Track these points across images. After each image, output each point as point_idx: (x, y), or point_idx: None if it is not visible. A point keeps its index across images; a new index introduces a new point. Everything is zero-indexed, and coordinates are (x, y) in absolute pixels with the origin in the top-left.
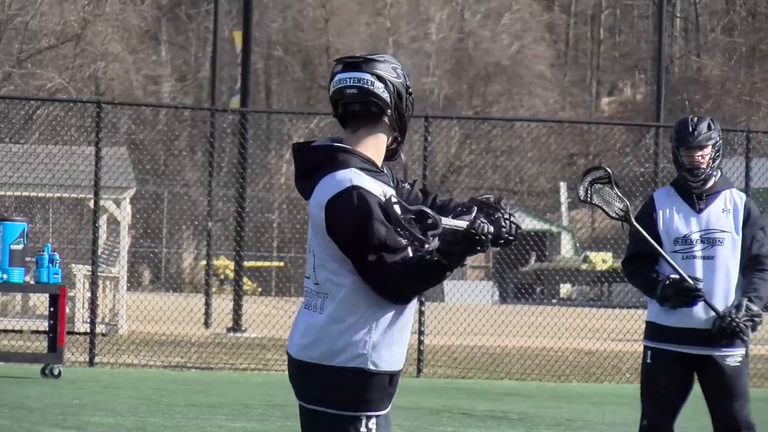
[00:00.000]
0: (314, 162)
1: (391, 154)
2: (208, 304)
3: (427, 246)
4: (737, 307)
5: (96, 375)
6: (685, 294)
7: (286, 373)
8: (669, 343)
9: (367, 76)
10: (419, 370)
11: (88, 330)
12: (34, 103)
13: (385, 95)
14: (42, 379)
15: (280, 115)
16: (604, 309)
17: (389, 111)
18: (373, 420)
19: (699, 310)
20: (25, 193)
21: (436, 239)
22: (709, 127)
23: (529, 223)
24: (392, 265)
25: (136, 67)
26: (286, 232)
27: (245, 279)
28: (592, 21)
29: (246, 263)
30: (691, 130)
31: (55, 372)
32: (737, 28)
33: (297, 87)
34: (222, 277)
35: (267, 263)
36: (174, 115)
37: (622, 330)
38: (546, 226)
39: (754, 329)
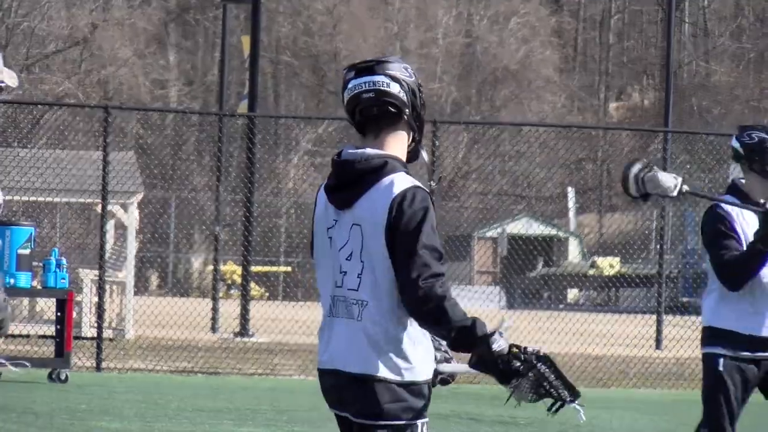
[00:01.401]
0: (363, 170)
1: (412, 155)
2: (215, 309)
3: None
4: None
5: (103, 380)
6: None
7: (294, 377)
8: (742, 351)
9: (382, 78)
10: None
11: (95, 335)
12: (41, 108)
13: (402, 95)
14: (49, 383)
15: (288, 120)
16: (611, 314)
17: (407, 110)
18: (426, 425)
19: None
20: (33, 198)
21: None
22: None
23: (536, 229)
24: (436, 274)
25: (144, 72)
26: (294, 237)
27: (252, 284)
28: (600, 26)
29: (253, 268)
30: None
31: (62, 377)
32: (746, 33)
33: (305, 92)
34: (229, 281)
35: (274, 268)
36: (182, 119)
37: (629, 335)
38: (553, 231)
39: None
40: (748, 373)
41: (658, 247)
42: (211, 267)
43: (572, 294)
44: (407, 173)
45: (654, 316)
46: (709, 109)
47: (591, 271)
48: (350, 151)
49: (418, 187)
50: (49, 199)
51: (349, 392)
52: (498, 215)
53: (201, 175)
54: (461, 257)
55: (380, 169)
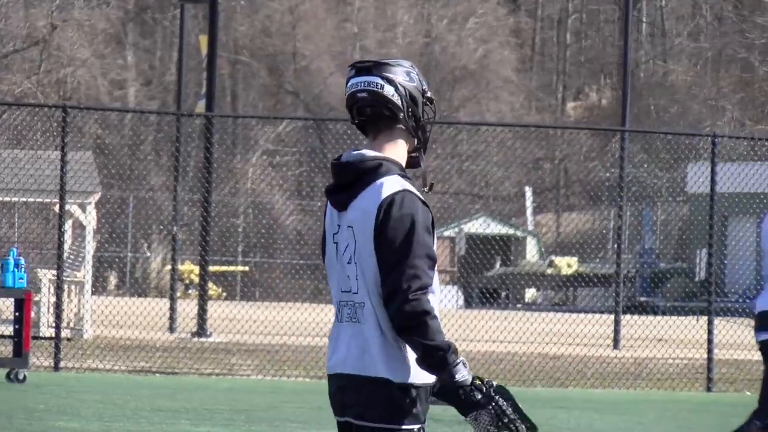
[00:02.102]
0: (359, 171)
1: (413, 161)
2: (173, 309)
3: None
4: None
5: (61, 380)
6: None
7: (251, 377)
8: None
9: (377, 80)
10: None
11: (54, 334)
12: (0, 108)
13: (396, 99)
14: (7, 383)
15: (245, 119)
16: (569, 314)
17: (401, 115)
18: (423, 430)
19: None
20: None
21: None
22: None
23: (494, 228)
24: (424, 286)
25: (103, 72)
26: (251, 237)
27: (210, 283)
28: (558, 25)
29: (211, 268)
30: None
31: (20, 377)
32: (703, 32)
33: (263, 92)
34: (187, 281)
35: (232, 268)
36: (140, 119)
37: (587, 335)
38: (511, 231)
39: None
40: None
41: (616, 246)
42: (168, 267)
43: (530, 293)
44: (402, 176)
45: (611, 316)
46: (666, 108)
47: (549, 271)
48: (350, 153)
49: (407, 190)
50: (6, 198)
51: (350, 395)
52: (455, 215)
53: (159, 175)
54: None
55: (374, 170)
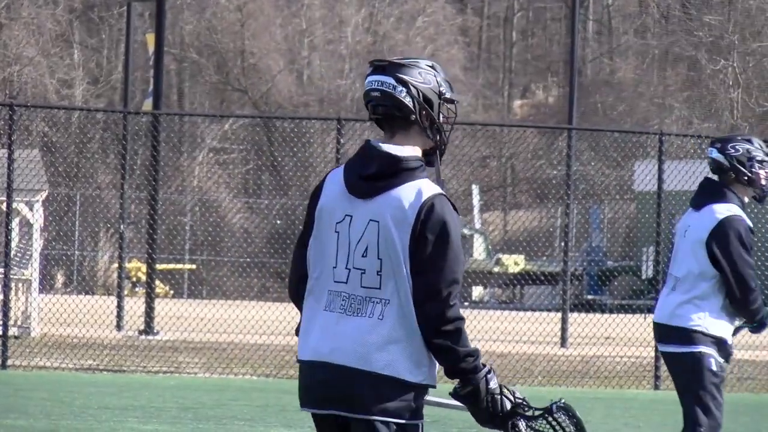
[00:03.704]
0: (401, 167)
1: (427, 162)
2: (120, 307)
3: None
4: None
5: (8, 378)
6: None
7: (198, 375)
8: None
9: (389, 80)
10: None
11: (0, 332)
12: None
13: (407, 100)
14: None
15: (192, 117)
16: (516, 312)
17: (413, 116)
18: (423, 425)
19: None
20: None
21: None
22: None
23: None
24: (459, 289)
25: (50, 70)
26: (199, 235)
27: (157, 281)
28: (504, 23)
29: (158, 266)
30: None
31: None
32: (650, 30)
33: (210, 89)
34: (134, 279)
35: (179, 266)
36: (87, 117)
37: (534, 333)
38: None
39: None
40: None
41: (563, 244)
42: (116, 265)
43: (477, 291)
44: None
45: (559, 314)
46: (613, 106)
47: (496, 269)
48: (386, 144)
49: (444, 195)
50: None
51: (356, 388)
52: None
53: (106, 173)
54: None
55: (414, 170)
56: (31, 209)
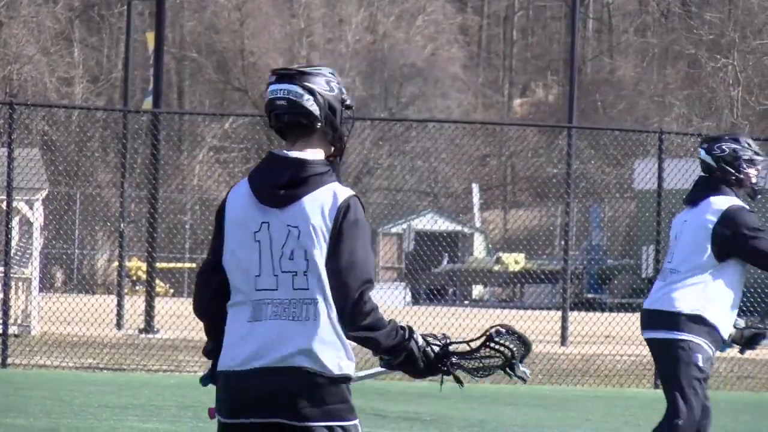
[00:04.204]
0: (312, 173)
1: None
2: (120, 306)
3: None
4: None
5: (8, 376)
6: None
7: (198, 373)
8: (714, 349)
9: (297, 89)
10: None
11: (0, 331)
12: None
13: (314, 108)
14: None
15: (192, 116)
16: (516, 310)
17: (319, 125)
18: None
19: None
20: None
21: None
22: None
23: (441, 225)
24: (372, 282)
25: (50, 69)
26: (199, 234)
27: (157, 280)
28: (504, 22)
29: (158, 264)
30: (757, 146)
31: None
32: (650, 29)
33: (210, 88)
34: (134, 278)
35: (179, 264)
36: (87, 116)
37: (534, 331)
38: (459, 228)
39: None
40: None
41: (563, 243)
42: (116, 263)
43: (477, 290)
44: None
45: (559, 313)
46: (613, 104)
47: (496, 267)
48: (291, 152)
49: (357, 196)
50: None
51: (294, 394)
52: (403, 211)
53: (106, 172)
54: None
55: (323, 174)
56: (31, 208)
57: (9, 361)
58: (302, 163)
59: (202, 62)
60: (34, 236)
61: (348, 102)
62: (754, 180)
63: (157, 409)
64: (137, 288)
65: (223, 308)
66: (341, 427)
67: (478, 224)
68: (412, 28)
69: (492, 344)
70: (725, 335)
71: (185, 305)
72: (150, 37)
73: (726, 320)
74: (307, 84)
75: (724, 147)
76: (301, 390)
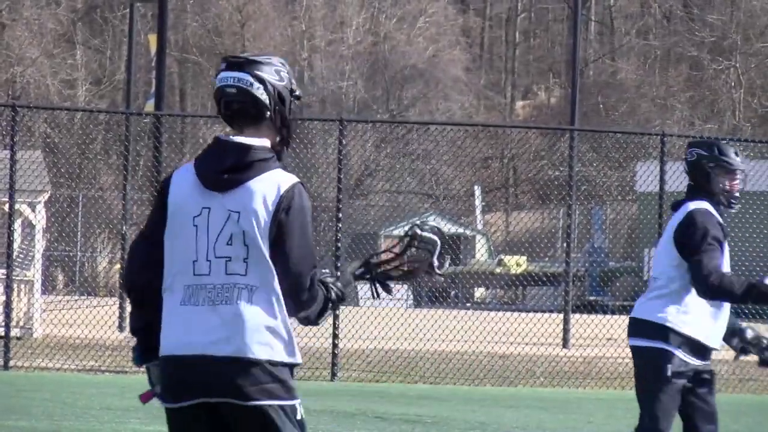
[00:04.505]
0: (257, 158)
1: (276, 156)
2: (122, 308)
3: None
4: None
5: (10, 379)
6: None
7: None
8: (697, 359)
9: (247, 77)
10: (333, 374)
11: (3, 333)
12: None
13: (264, 97)
14: None
15: (194, 118)
16: (518, 313)
17: (268, 113)
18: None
19: (720, 326)
20: None
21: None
22: (737, 153)
23: (443, 227)
24: (316, 264)
25: (53, 71)
26: None
27: None
28: (506, 24)
29: None
30: (734, 152)
31: None
32: (652, 31)
33: (212, 91)
34: None
35: None
36: (89, 118)
37: (536, 333)
38: (460, 230)
39: None
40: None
41: (565, 245)
42: (118, 266)
43: (479, 292)
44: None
45: (561, 315)
46: (615, 107)
47: (498, 270)
48: (236, 138)
49: (301, 183)
50: None
51: (234, 377)
52: (405, 213)
53: (108, 174)
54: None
55: (268, 160)
56: (33, 210)
57: (11, 363)
58: (247, 148)
59: (204, 65)
60: (37, 239)
61: (297, 92)
62: (727, 188)
63: (159, 412)
64: None
65: (153, 283)
66: (280, 406)
67: (480, 226)
68: (414, 29)
69: (416, 243)
70: (708, 342)
71: None
72: (152, 40)
73: (704, 328)
74: (257, 73)
75: (694, 152)
76: (241, 373)
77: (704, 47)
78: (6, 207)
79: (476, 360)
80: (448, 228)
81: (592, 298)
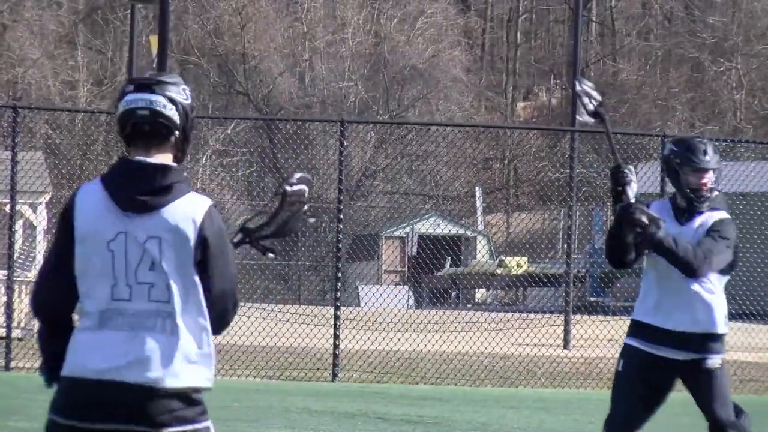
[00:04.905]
0: (175, 180)
1: None
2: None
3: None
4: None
5: (12, 379)
6: (615, 179)
7: None
8: (652, 346)
9: (160, 98)
10: (335, 375)
11: (5, 334)
12: None
13: (176, 117)
14: None
15: (196, 119)
16: (519, 313)
17: (177, 132)
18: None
19: (686, 313)
20: None
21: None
22: (715, 151)
23: (444, 228)
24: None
25: (54, 72)
26: None
27: None
28: (507, 25)
29: None
30: (703, 151)
31: None
32: (653, 32)
33: (213, 92)
34: None
35: None
36: (90, 119)
37: (537, 334)
38: (461, 231)
39: (632, 223)
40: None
41: (566, 246)
42: None
43: (480, 293)
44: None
45: (561, 316)
46: (616, 108)
47: (498, 271)
48: (150, 159)
49: (213, 204)
50: None
51: (149, 404)
52: (406, 215)
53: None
54: (369, 257)
55: (185, 182)
56: (34, 211)
57: (12, 364)
58: (165, 170)
59: (204, 66)
60: (38, 239)
61: (194, 110)
62: (693, 185)
63: None
64: None
65: (65, 313)
66: (194, 430)
67: (480, 227)
68: (414, 30)
69: (288, 198)
70: (655, 322)
71: None
72: (153, 41)
73: (647, 312)
74: (168, 93)
75: (667, 148)
76: (153, 400)
77: (705, 48)
78: (7, 208)
79: (477, 361)
80: (449, 229)
81: (592, 299)
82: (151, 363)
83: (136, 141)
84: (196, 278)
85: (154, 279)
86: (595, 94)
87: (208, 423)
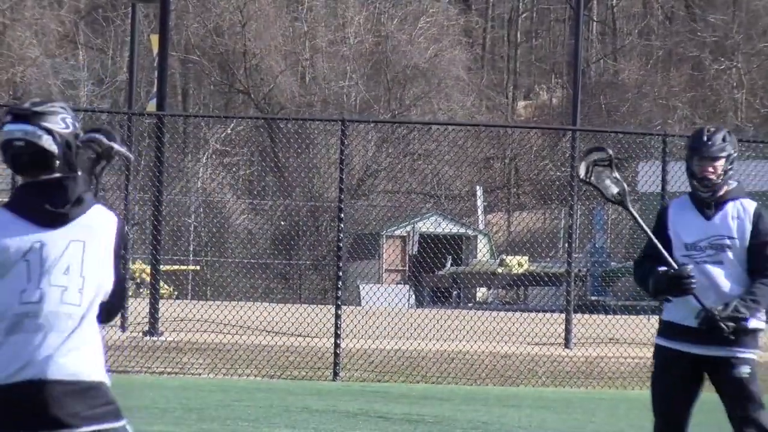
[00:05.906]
0: (80, 194)
1: None
2: (124, 308)
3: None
4: (726, 305)
5: None
6: (677, 282)
7: (203, 376)
8: (677, 342)
9: (35, 129)
10: (335, 374)
11: None
12: None
13: (53, 148)
14: None
15: (197, 119)
16: (520, 312)
17: (57, 162)
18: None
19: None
20: None
21: None
22: (723, 139)
23: (445, 227)
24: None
25: (54, 72)
26: (203, 236)
27: (161, 282)
28: (508, 24)
29: (162, 267)
30: (705, 140)
31: None
32: (654, 32)
33: (214, 91)
34: (138, 280)
35: (183, 267)
36: (91, 118)
37: (538, 333)
38: (462, 230)
39: (736, 331)
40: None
41: (567, 245)
42: None
43: (481, 292)
44: None
45: (563, 315)
46: (617, 107)
47: (500, 270)
48: (55, 175)
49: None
50: None
51: (59, 405)
52: (407, 214)
53: (110, 174)
54: (370, 256)
55: (90, 193)
56: None
57: None
58: (73, 182)
59: (205, 65)
60: None
61: (82, 137)
62: (697, 174)
63: (161, 412)
64: (141, 290)
65: None
66: (111, 428)
67: (481, 227)
68: (415, 29)
69: (93, 145)
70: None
71: (189, 307)
72: (154, 40)
73: (671, 311)
74: (44, 124)
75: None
76: (68, 400)
77: (706, 47)
78: None
79: (478, 360)
80: (450, 228)
81: (593, 298)
82: (61, 363)
83: (23, 171)
84: (107, 278)
85: (68, 282)
86: (617, 174)
87: (124, 422)
